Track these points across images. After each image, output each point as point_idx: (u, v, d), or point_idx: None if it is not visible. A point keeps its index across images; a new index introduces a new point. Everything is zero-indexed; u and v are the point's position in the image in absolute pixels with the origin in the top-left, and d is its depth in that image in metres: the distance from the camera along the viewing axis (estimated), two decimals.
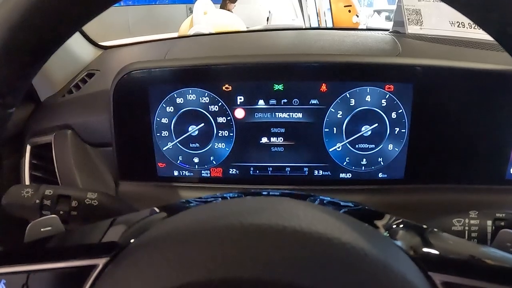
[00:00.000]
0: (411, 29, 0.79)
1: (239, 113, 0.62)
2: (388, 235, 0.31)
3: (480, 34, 0.71)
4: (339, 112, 0.61)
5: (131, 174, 0.66)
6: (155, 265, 0.23)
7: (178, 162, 0.65)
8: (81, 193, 0.45)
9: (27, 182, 0.65)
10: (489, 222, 0.40)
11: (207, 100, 0.61)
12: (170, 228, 0.26)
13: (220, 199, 0.43)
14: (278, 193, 0.51)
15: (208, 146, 0.64)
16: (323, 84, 0.60)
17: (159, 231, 0.27)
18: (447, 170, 0.62)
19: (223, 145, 0.63)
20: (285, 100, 0.61)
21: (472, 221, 0.40)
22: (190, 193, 0.66)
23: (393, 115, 0.60)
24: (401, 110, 0.60)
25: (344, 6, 3.73)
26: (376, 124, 0.61)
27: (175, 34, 1.56)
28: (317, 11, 3.61)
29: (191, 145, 0.64)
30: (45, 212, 0.44)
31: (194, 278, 0.21)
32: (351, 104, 0.60)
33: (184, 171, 0.65)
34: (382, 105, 0.60)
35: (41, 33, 0.21)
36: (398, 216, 0.35)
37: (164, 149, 0.64)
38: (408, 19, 0.79)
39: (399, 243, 0.28)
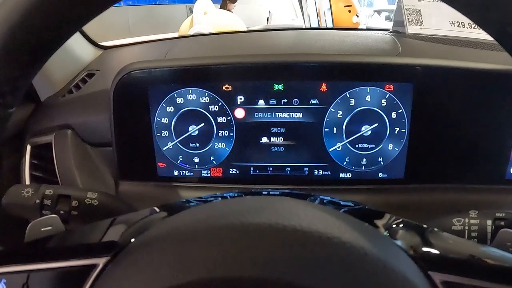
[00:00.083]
0: (411, 29, 0.79)
1: (239, 113, 0.62)
2: (388, 234, 0.31)
3: (480, 34, 0.71)
4: (339, 112, 0.61)
5: (131, 174, 0.66)
6: (155, 264, 0.23)
7: (178, 162, 0.65)
8: (81, 193, 0.45)
9: (27, 182, 0.65)
10: (489, 222, 0.40)
11: (207, 100, 0.61)
12: (170, 227, 0.26)
13: (220, 198, 0.43)
14: (278, 193, 0.51)
15: (208, 146, 0.64)
16: (323, 84, 0.60)
17: (159, 231, 0.27)
18: (447, 170, 0.62)
19: (223, 145, 0.63)
20: (285, 100, 0.61)
21: (472, 221, 0.40)
22: (190, 193, 0.66)
23: (393, 115, 0.60)
24: (401, 110, 0.60)
25: (344, 6, 3.73)
26: (376, 124, 0.61)
27: (175, 34, 1.56)
28: (317, 11, 3.61)
29: (191, 145, 0.64)
30: (45, 212, 0.44)
31: (194, 277, 0.21)
32: (351, 104, 0.60)
33: (184, 171, 0.65)
34: (382, 105, 0.60)
35: (41, 33, 0.21)
36: (398, 215, 0.35)
37: (164, 149, 0.64)
38: (408, 19, 0.79)
39: (399, 242, 0.28)
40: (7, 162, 0.68)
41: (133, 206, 0.50)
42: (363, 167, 0.63)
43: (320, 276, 0.21)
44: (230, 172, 0.65)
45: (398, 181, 0.63)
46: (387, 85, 0.59)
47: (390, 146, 0.62)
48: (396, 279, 0.22)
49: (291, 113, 0.61)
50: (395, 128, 0.61)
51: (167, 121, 0.63)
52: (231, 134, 0.63)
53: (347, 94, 0.60)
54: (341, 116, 0.61)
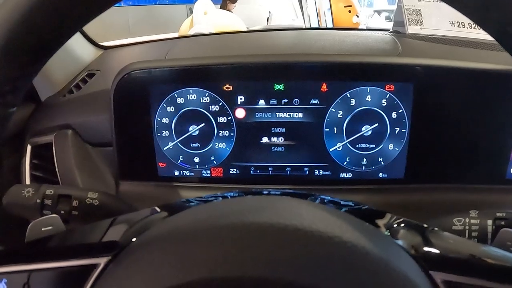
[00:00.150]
0: (411, 29, 0.79)
1: (240, 113, 0.62)
2: (389, 234, 0.31)
3: (480, 34, 0.71)
4: (339, 112, 0.61)
5: (132, 174, 0.66)
6: (156, 264, 0.23)
7: (179, 162, 0.65)
8: (82, 192, 0.45)
9: (27, 182, 0.65)
10: (490, 222, 0.40)
11: (207, 100, 0.61)
12: (171, 227, 0.26)
13: (220, 198, 0.43)
14: (278, 193, 0.51)
15: (208, 146, 0.64)
16: (324, 84, 0.60)
17: (160, 230, 0.27)
18: (447, 170, 0.62)
19: (223, 145, 0.63)
20: (286, 100, 0.61)
21: (472, 221, 0.40)
22: (190, 193, 0.66)
23: (394, 115, 0.60)
24: (401, 110, 0.60)
25: (344, 6, 3.73)
26: (377, 124, 0.61)
27: (175, 34, 1.56)
28: (317, 11, 3.61)
29: (191, 145, 0.64)
30: (45, 212, 0.44)
31: (195, 277, 0.21)
32: (351, 104, 0.60)
33: (184, 171, 0.65)
34: (383, 105, 0.60)
35: (42, 33, 0.21)
36: (399, 215, 0.35)
37: (164, 149, 0.64)
38: (408, 19, 0.79)
39: (400, 242, 0.28)
40: (7, 162, 0.68)
41: (133, 206, 0.50)
42: (364, 167, 0.63)
43: (321, 276, 0.21)
44: (231, 172, 0.65)
45: (398, 181, 0.63)
46: (388, 85, 0.59)
47: (391, 146, 0.62)
48: (397, 279, 0.22)
49: (291, 113, 0.61)
50: (396, 128, 0.61)
51: (168, 121, 0.63)
52: (232, 134, 0.63)
53: (348, 94, 0.60)
54: (341, 116, 0.61)
